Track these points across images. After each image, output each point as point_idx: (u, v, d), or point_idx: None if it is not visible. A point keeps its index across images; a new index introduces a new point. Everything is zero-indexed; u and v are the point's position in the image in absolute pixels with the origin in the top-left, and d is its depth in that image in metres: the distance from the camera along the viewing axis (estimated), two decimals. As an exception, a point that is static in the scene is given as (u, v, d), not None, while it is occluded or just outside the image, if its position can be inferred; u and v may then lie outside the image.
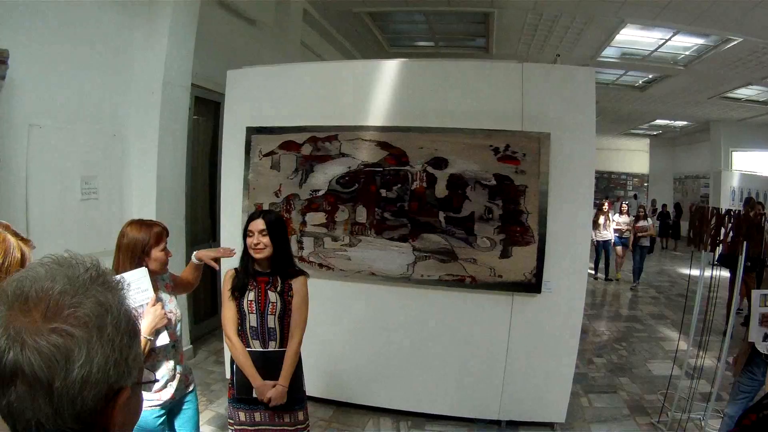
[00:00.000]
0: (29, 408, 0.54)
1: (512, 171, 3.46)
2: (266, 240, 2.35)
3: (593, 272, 9.68)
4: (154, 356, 2.15)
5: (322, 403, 3.90)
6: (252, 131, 3.98)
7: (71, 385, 0.54)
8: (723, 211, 4.00)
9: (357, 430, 3.64)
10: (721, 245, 3.93)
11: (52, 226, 3.54)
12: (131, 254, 2.09)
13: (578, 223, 3.53)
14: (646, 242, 9.10)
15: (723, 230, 3.92)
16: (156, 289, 2.14)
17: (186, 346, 4.44)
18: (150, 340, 2.05)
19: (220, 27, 5.33)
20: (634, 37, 7.41)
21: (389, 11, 7.18)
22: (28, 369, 0.53)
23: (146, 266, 2.10)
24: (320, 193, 3.79)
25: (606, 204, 9.41)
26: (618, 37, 7.32)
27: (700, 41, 7.38)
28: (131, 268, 2.07)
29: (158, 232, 2.16)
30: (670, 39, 7.23)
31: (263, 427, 2.41)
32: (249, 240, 2.37)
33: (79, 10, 3.71)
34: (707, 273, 3.73)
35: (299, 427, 2.47)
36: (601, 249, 9.54)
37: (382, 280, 3.69)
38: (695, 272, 3.93)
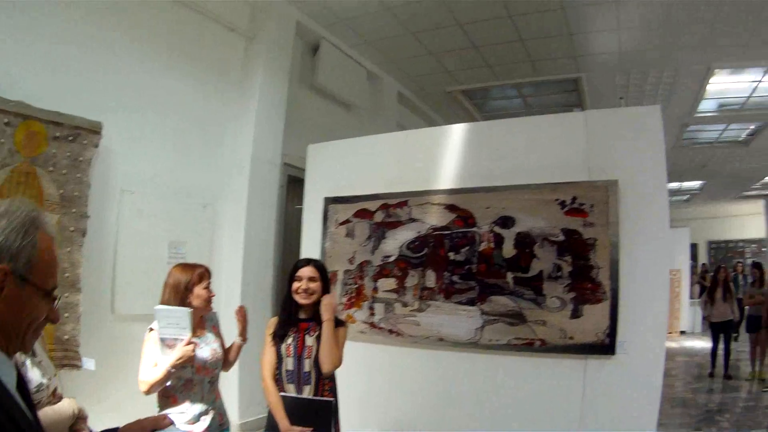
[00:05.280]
0: None
1: (580, 224, 3.33)
2: (315, 286, 2.43)
3: (710, 368, 7.12)
4: (190, 387, 2.32)
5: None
6: (329, 201, 4.22)
7: None
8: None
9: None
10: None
11: (137, 286, 3.76)
12: (176, 291, 2.30)
13: (654, 276, 3.24)
14: None
15: None
16: (201, 328, 2.39)
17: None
18: (171, 371, 2.20)
19: (315, 111, 5.72)
20: (726, 84, 6.97)
21: (480, 88, 7.28)
22: None
23: (190, 304, 2.29)
24: (391, 258, 3.87)
25: (723, 272, 7.22)
26: (711, 87, 6.93)
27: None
28: (176, 305, 2.26)
29: (201, 273, 2.36)
30: (762, 79, 6.63)
31: None
32: (296, 285, 2.44)
33: (170, 87, 4.18)
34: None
35: None
36: (718, 333, 6.98)
37: (451, 345, 3.62)
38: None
